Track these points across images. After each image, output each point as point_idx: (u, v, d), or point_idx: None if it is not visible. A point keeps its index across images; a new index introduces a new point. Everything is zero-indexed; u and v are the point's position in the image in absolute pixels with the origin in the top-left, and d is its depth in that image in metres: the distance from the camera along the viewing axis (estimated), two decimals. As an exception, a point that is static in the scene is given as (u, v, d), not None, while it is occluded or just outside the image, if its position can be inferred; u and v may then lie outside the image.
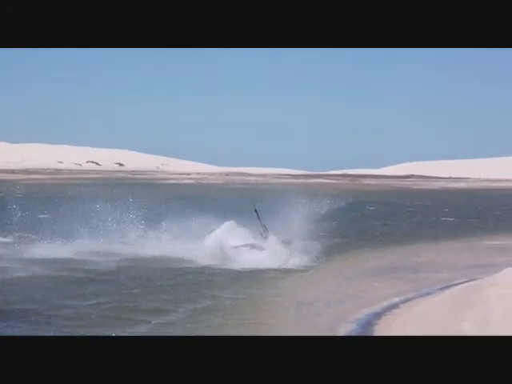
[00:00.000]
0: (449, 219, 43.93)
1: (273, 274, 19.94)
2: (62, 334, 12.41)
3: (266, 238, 22.47)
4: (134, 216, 26.58)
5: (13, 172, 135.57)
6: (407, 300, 15.97)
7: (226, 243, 22.41)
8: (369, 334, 12.77)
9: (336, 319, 14.18)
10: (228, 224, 23.59)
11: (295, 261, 21.45)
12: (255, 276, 19.56)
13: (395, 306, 15.35)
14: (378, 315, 14.43)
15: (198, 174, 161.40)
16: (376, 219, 41.47)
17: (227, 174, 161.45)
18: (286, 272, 20.34)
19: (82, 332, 12.71)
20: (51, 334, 12.34)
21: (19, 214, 28.06)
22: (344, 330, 13.31)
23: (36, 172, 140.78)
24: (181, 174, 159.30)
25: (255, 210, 23.02)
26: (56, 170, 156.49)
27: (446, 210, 54.20)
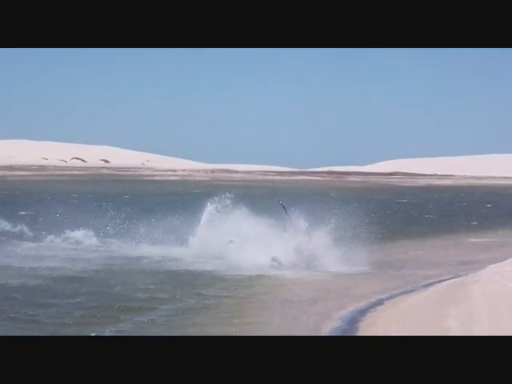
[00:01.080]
0: (433, 216, 44.04)
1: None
2: (58, 335, 12.24)
3: (286, 231, 21.50)
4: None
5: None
6: (392, 297, 15.99)
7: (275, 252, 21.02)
8: (354, 331, 12.76)
9: (321, 316, 14.16)
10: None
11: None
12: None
13: (380, 302, 15.36)
14: (362, 312, 14.42)
15: (184, 170, 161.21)
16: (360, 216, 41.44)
17: (213, 171, 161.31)
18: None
19: (64, 331, 12.62)
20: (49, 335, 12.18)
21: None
22: (329, 326, 13.30)
23: (20, 168, 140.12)
24: (166, 170, 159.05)
25: (282, 205, 22.00)
26: (41, 166, 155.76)
27: (431, 207, 54.35)
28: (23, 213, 36.67)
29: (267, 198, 24.54)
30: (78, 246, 24.75)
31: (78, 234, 25.87)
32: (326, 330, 13.11)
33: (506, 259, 19.71)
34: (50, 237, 25.65)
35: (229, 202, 24.03)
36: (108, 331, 12.69)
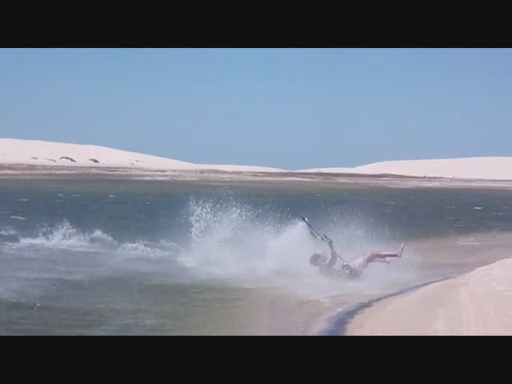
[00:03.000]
0: (422, 218, 44.10)
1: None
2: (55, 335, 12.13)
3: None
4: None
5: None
6: (380, 298, 16.00)
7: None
8: (341, 333, 12.75)
9: (309, 317, 14.16)
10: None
11: None
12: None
13: (368, 304, 15.37)
14: (350, 313, 14.42)
15: (173, 171, 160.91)
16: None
17: (202, 172, 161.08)
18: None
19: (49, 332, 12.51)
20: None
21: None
22: (317, 328, 13.29)
23: (10, 167, 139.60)
24: (155, 170, 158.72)
25: (304, 220, 19.75)
26: (30, 165, 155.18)
27: (420, 209, 54.44)
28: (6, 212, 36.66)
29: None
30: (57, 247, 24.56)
31: (59, 234, 25.74)
32: (314, 330, 13.10)
33: (494, 262, 19.75)
34: (30, 239, 25.45)
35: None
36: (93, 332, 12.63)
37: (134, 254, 23.60)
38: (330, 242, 18.86)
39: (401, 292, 16.81)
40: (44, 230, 25.76)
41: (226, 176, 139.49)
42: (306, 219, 19.81)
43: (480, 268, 17.82)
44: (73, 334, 11.95)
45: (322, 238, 18.96)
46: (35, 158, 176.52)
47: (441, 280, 17.95)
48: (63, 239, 25.40)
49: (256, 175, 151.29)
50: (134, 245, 24.53)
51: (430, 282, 17.74)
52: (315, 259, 18.84)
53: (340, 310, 14.91)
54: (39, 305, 14.53)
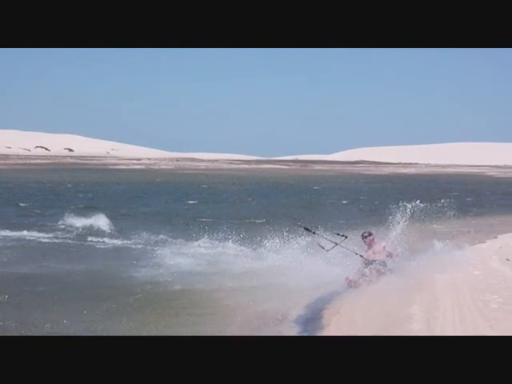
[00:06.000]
0: (396, 205, 44.18)
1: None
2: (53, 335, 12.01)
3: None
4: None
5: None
6: (356, 285, 16.01)
7: None
8: (318, 318, 12.78)
9: (286, 303, 14.15)
10: None
11: None
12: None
13: (345, 290, 15.37)
14: (327, 300, 14.44)
15: (149, 159, 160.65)
16: (324, 206, 41.70)
17: (178, 160, 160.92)
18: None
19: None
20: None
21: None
22: (295, 313, 13.30)
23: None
24: (131, 159, 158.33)
25: (305, 228, 18.17)
26: (4, 155, 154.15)
27: (394, 195, 54.64)
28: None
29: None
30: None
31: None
32: (292, 316, 13.12)
33: (469, 247, 19.90)
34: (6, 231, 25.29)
35: None
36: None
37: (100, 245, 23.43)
38: (346, 237, 17.22)
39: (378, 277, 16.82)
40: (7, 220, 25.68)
41: (201, 164, 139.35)
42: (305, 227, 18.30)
43: (455, 253, 17.93)
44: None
45: (336, 243, 17.06)
46: (9, 148, 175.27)
47: (417, 265, 18.00)
48: (25, 230, 25.30)
49: (232, 163, 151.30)
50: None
51: (406, 267, 17.79)
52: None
53: (318, 295, 14.92)
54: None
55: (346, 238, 17.14)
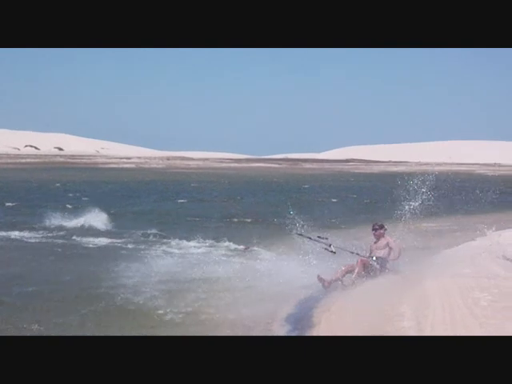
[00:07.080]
0: (386, 203, 44.28)
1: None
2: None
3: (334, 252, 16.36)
4: None
5: None
6: (345, 284, 15.98)
7: None
8: (309, 317, 12.76)
9: (277, 302, 14.14)
10: None
11: None
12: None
13: (334, 288, 15.34)
14: (318, 298, 14.42)
15: (139, 158, 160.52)
16: (315, 204, 41.71)
17: (168, 159, 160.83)
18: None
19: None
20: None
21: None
22: (285, 312, 13.29)
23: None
24: (121, 158, 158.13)
25: (303, 236, 17.25)
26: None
27: (383, 193, 54.65)
28: None
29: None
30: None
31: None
32: (283, 314, 13.11)
33: (458, 245, 19.92)
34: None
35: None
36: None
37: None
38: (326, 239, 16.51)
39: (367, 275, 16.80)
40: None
41: (192, 163, 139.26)
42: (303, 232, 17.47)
43: (445, 251, 17.94)
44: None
45: (327, 248, 16.37)
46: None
47: (405, 263, 18.00)
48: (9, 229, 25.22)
49: (223, 161, 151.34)
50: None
51: (396, 266, 17.79)
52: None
53: (308, 294, 14.90)
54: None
55: (327, 239, 16.48)
